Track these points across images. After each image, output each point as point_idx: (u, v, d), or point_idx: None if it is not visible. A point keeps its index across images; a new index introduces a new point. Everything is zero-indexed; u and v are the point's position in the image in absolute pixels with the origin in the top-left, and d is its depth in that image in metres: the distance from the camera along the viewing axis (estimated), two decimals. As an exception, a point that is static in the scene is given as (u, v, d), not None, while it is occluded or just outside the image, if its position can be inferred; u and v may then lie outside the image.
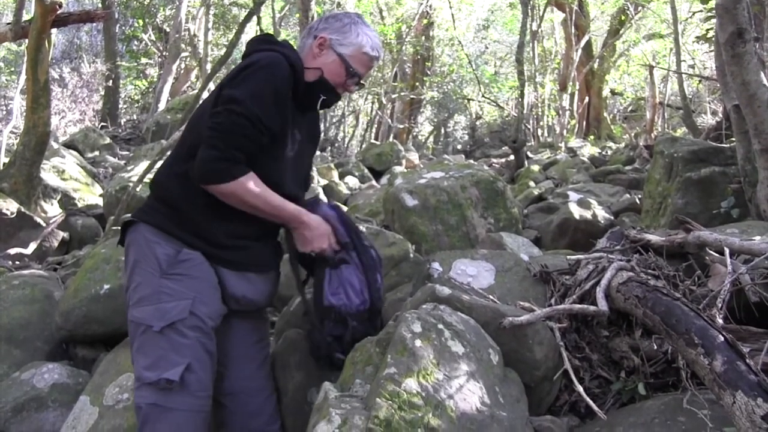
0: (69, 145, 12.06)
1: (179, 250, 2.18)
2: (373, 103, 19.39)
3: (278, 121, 2.18)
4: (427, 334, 1.96)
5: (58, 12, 7.34)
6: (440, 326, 2.02)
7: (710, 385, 1.77)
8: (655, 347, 2.27)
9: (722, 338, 1.81)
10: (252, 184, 2.14)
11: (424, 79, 19.15)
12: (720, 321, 2.13)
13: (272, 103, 2.14)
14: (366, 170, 10.82)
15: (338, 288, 2.37)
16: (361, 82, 2.45)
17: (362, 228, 3.96)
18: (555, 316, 2.41)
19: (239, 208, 2.18)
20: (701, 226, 2.90)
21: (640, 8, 16.30)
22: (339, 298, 2.35)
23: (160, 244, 2.18)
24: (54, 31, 7.80)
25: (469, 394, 1.85)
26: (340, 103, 16.98)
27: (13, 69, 18.94)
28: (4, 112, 15.84)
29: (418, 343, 1.91)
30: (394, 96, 18.71)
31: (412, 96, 19.23)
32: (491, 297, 2.66)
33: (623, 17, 16.49)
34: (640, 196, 6.26)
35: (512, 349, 2.21)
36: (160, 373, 2.04)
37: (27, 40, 7.78)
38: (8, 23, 8.93)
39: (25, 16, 8.63)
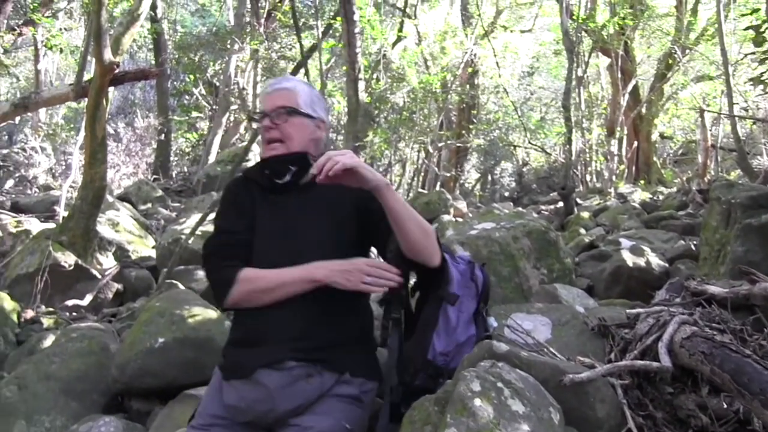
0: (123, 197, 12.40)
1: None
2: (419, 151, 19.48)
3: (233, 219, 2.38)
4: (486, 392, 1.93)
5: (116, 71, 7.62)
6: (499, 384, 1.98)
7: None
8: (725, 406, 2.18)
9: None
10: (245, 283, 2.24)
11: (470, 126, 19.21)
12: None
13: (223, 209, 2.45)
14: (414, 220, 10.81)
15: (449, 350, 2.34)
16: (267, 114, 2.38)
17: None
18: (616, 373, 2.35)
19: (257, 305, 2.23)
20: (766, 276, 2.81)
21: (687, 51, 16.17)
22: (445, 359, 2.34)
23: None
24: (111, 88, 8.07)
25: (531, 456, 1.81)
26: (386, 152, 17.17)
27: (72, 126, 19.66)
28: (64, 167, 16.40)
29: (477, 402, 1.88)
30: (440, 144, 18.79)
31: (458, 144, 19.29)
32: (551, 349, 2.62)
33: (670, 61, 16.36)
34: (695, 242, 6.10)
35: (573, 407, 2.15)
36: None
37: (86, 99, 8.07)
38: (70, 84, 9.32)
39: (86, 77, 8.99)
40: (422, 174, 20.44)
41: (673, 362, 2.26)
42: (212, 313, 3.86)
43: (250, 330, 2.27)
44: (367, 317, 2.46)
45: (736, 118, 9.39)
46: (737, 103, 12.84)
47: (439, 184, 18.05)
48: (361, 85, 10.23)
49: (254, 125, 2.50)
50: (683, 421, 2.28)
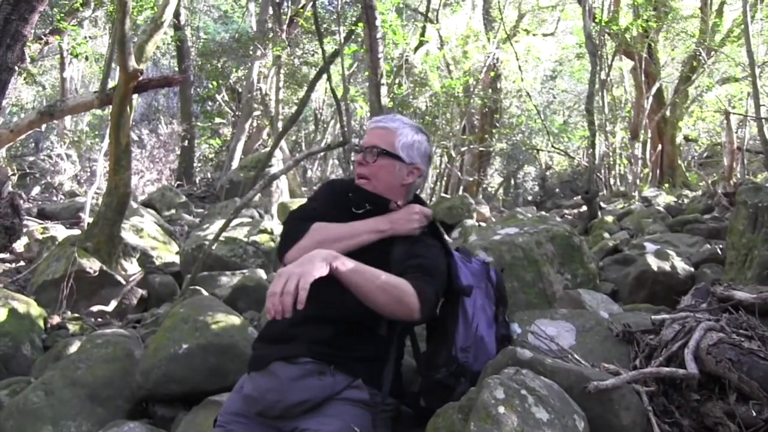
0: (147, 203, 12.53)
1: None
2: (441, 156, 19.47)
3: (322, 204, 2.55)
4: (510, 400, 1.91)
5: (140, 78, 7.69)
6: (523, 392, 1.97)
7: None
8: (754, 414, 2.14)
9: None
10: (318, 231, 2.37)
11: (493, 130, 19.16)
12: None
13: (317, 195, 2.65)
14: (437, 224, 10.77)
15: (469, 345, 2.37)
16: (361, 149, 2.49)
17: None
18: (641, 380, 2.32)
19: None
20: (794, 281, 2.77)
21: (712, 53, 15.98)
22: (467, 356, 2.36)
23: None
24: (135, 95, 8.16)
25: (555, 465, 1.79)
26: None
27: (97, 133, 19.90)
28: (89, 174, 16.60)
29: (501, 409, 1.87)
30: (463, 148, 18.76)
31: (481, 148, 19.23)
32: (575, 356, 2.59)
33: (695, 63, 16.18)
34: (721, 246, 6.02)
35: (598, 414, 2.13)
36: None
37: (111, 106, 8.16)
38: (95, 92, 9.44)
39: (110, 84, 9.10)
40: (445, 178, 20.42)
41: (699, 369, 2.22)
42: (235, 320, 3.88)
43: (276, 328, 2.32)
44: (388, 348, 2.40)
45: (763, 120, 9.24)
46: (764, 105, 12.65)
47: (461, 188, 18.03)
48: (384, 90, 10.25)
49: (352, 156, 2.62)
50: (710, 429, 2.24)
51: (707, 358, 2.23)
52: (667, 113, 16.90)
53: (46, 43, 12.23)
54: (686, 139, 20.11)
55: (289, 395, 2.18)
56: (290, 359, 2.22)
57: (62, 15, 11.50)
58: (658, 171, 16.94)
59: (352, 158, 2.63)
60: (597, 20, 12.83)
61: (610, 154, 17.19)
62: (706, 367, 2.25)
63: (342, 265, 2.06)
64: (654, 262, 5.38)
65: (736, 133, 14.96)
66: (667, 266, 5.35)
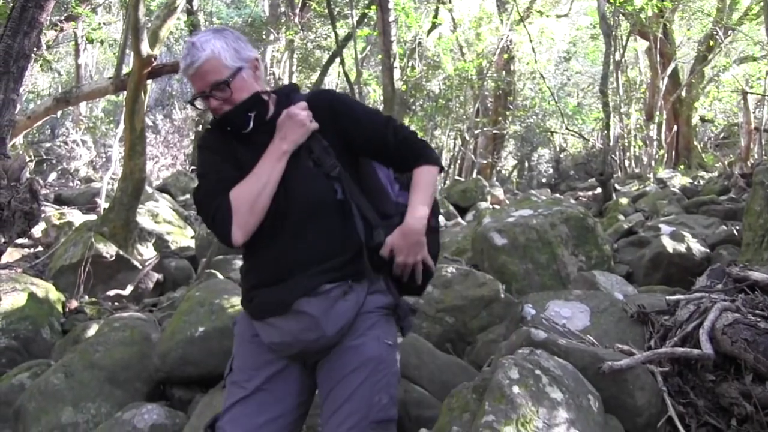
0: (162, 188, 12.61)
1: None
2: (455, 139, 19.41)
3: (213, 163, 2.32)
4: (524, 380, 1.92)
5: (154, 64, 7.71)
6: (537, 372, 1.98)
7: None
8: (769, 394, 2.14)
9: None
10: (238, 204, 2.19)
11: (507, 113, 19.06)
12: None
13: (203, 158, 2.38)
14: (451, 207, 10.77)
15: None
16: (207, 93, 2.20)
17: (452, 268, 3.95)
18: (656, 360, 2.32)
19: (261, 214, 2.18)
20: (811, 262, 2.75)
21: (730, 32, 15.77)
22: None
23: None
24: (149, 81, 8.18)
25: (570, 443, 1.80)
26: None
27: (112, 118, 19.98)
28: (104, 159, 16.70)
29: (515, 389, 1.88)
30: (476, 131, 18.68)
31: (494, 131, 19.14)
32: (589, 336, 2.60)
33: (712, 42, 15.98)
34: (737, 227, 5.98)
35: (612, 394, 2.14)
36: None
37: (125, 92, 8.19)
38: (109, 78, 9.48)
39: (124, 70, 9.13)
40: (459, 161, 20.37)
41: (714, 349, 2.23)
42: (251, 302, 3.90)
43: (272, 268, 2.23)
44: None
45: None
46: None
47: (475, 171, 17.97)
48: (397, 73, 10.21)
49: (199, 106, 2.29)
50: (726, 409, 2.24)
51: (722, 339, 2.23)
52: (683, 94, 16.73)
53: (62, 29, 12.27)
54: (702, 119, 19.92)
55: (327, 328, 2.15)
56: (311, 293, 2.16)
57: (77, 1, 11.52)
58: (673, 152, 16.80)
59: (199, 107, 2.24)
60: (611, 1, 12.67)
61: (625, 135, 17.06)
62: (721, 348, 2.25)
63: (426, 218, 2.20)
64: (669, 244, 5.34)
65: (754, 113, 14.82)
66: (682, 248, 5.32)
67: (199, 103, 2.21)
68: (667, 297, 2.86)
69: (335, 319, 2.15)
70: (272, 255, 2.22)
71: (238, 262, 6.90)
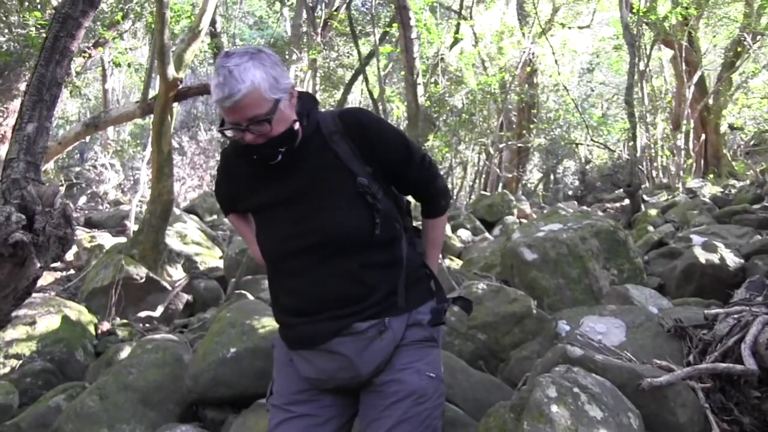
0: (189, 210, 12.73)
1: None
2: (480, 153, 19.35)
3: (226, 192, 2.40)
4: (563, 398, 1.89)
5: (179, 87, 7.81)
6: (576, 390, 1.94)
7: None
8: (817, 410, 2.09)
9: None
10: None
11: (531, 126, 18.99)
12: None
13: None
14: (477, 222, 10.72)
15: None
16: (243, 127, 2.03)
17: (482, 285, 3.92)
18: (696, 376, 2.27)
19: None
20: None
21: (758, 37, 15.58)
22: None
23: None
24: (175, 104, 8.28)
25: (612, 464, 1.77)
26: (447, 155, 17.13)
27: (139, 141, 20.25)
28: (132, 182, 16.90)
29: (554, 408, 1.85)
30: (501, 145, 18.64)
31: (519, 144, 19.09)
32: (626, 353, 2.55)
33: (739, 48, 15.79)
34: (773, 237, 5.88)
35: (653, 412, 2.09)
36: None
37: (152, 115, 8.29)
38: (136, 101, 9.62)
39: (150, 93, 9.25)
40: (484, 176, 20.30)
41: (758, 365, 2.17)
42: (282, 322, 3.91)
43: (302, 296, 2.15)
44: (400, 249, 2.25)
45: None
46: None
47: (501, 185, 17.92)
48: (420, 89, 10.24)
49: (229, 134, 2.13)
50: (771, 426, 2.19)
51: (766, 354, 2.18)
52: (710, 102, 16.54)
53: (90, 56, 12.52)
54: (731, 127, 19.63)
55: (362, 369, 2.09)
56: (343, 332, 2.08)
57: (105, 28, 11.75)
58: (702, 161, 16.60)
59: (229, 135, 2.02)
60: (634, 10, 12.60)
61: (652, 145, 16.90)
62: (765, 363, 2.20)
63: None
64: (702, 255, 5.24)
65: (784, 119, 14.58)
66: (715, 258, 5.21)
67: (229, 133, 2.06)
68: (705, 311, 2.80)
69: (370, 358, 2.09)
70: (295, 280, 2.15)
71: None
